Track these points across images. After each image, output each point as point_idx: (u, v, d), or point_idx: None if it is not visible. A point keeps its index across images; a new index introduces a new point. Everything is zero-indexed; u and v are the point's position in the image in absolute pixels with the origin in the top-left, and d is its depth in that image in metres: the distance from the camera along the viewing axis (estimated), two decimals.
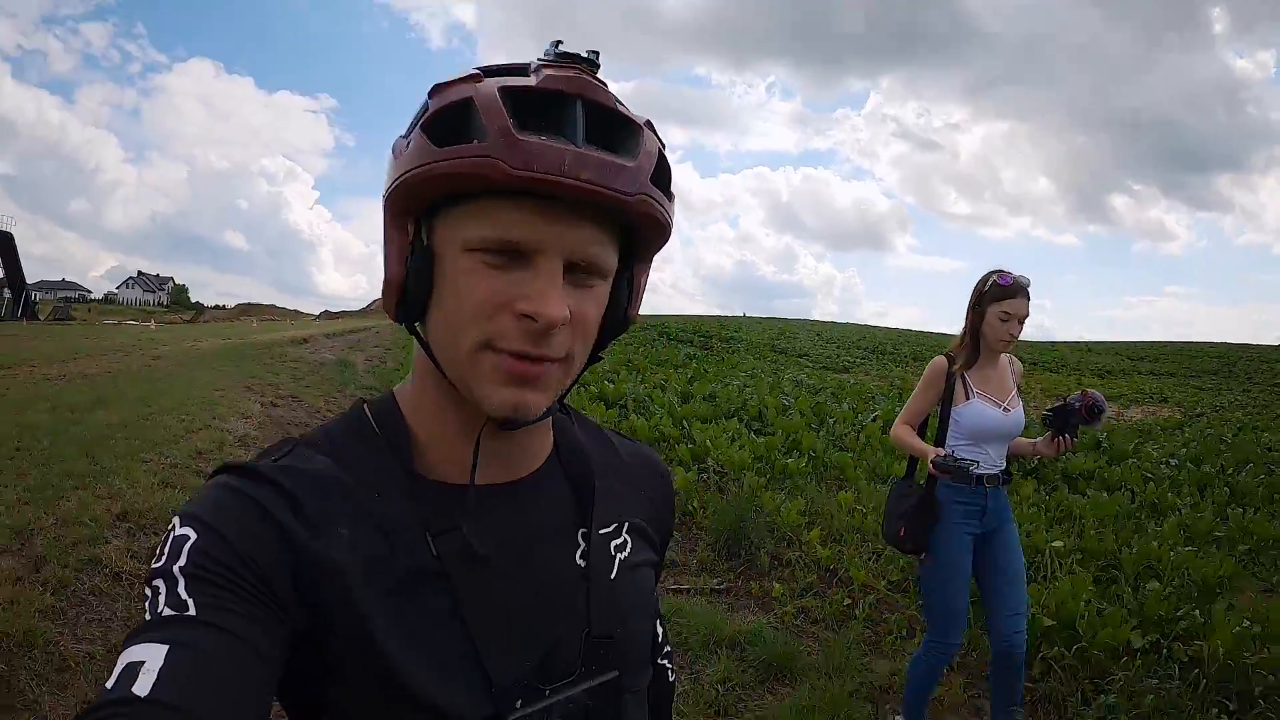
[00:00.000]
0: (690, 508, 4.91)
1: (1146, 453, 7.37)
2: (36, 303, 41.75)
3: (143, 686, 0.43)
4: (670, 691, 0.83)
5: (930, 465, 2.31)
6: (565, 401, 0.68)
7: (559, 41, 0.54)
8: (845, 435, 7.02)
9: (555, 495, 0.65)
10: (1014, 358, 2.55)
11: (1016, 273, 2.39)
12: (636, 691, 0.66)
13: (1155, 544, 4.41)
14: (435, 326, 0.57)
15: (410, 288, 0.56)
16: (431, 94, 0.54)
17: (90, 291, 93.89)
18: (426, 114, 0.53)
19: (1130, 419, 12.63)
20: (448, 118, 0.52)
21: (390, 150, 0.57)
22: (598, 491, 0.66)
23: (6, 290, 35.58)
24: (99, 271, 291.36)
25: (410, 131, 0.55)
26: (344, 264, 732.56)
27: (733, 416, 7.64)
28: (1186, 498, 6.03)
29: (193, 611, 0.47)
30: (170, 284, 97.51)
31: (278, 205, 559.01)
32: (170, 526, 0.53)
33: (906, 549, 2.50)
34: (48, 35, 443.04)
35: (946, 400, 2.45)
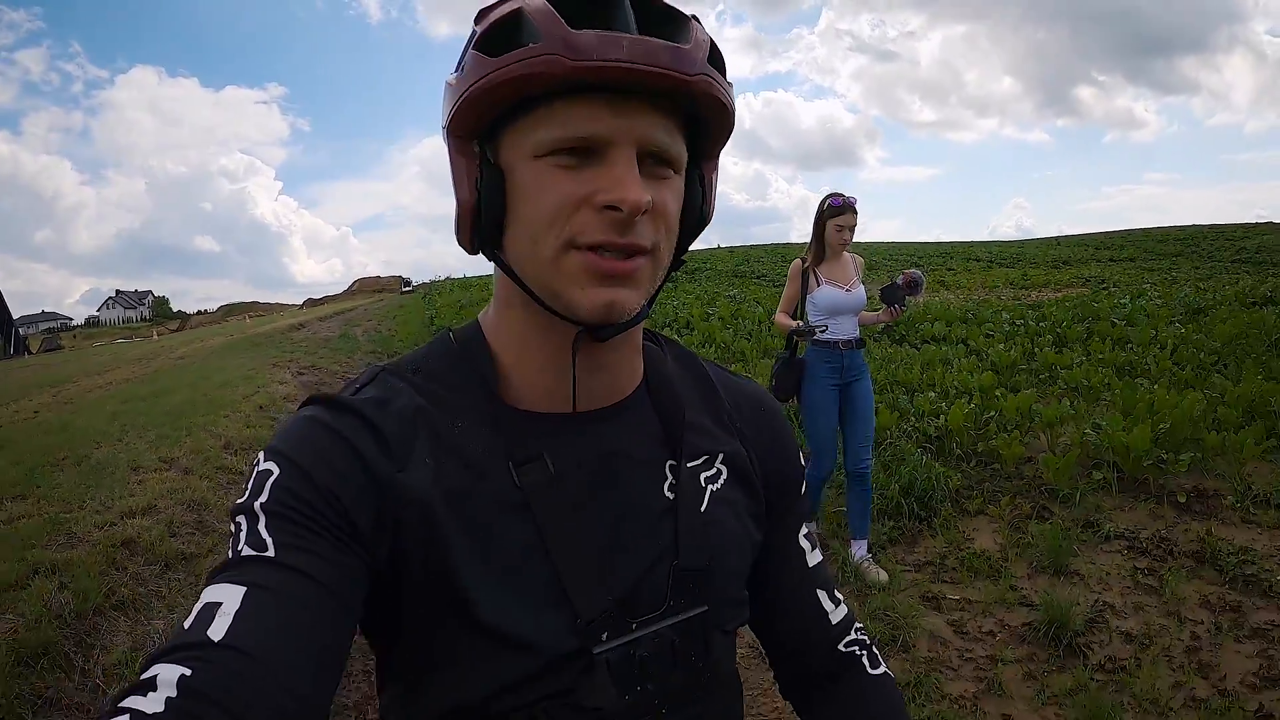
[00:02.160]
0: None
1: (998, 319, 9.12)
2: (25, 338, 42.65)
3: (218, 630, 0.44)
4: (899, 700, 0.70)
5: (793, 334, 3.23)
6: (658, 333, 0.71)
7: None
8: (753, 331, 8.80)
9: (643, 425, 0.63)
10: (857, 255, 3.34)
11: (848, 194, 3.19)
12: (727, 630, 0.64)
13: (942, 370, 6.20)
14: (514, 242, 0.55)
15: (484, 209, 0.55)
16: (478, 20, 0.54)
17: (71, 319, 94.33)
18: (476, 35, 0.53)
19: (1040, 299, 14.19)
20: (499, 32, 0.52)
21: (444, 87, 0.57)
22: (688, 423, 0.64)
23: None
24: (74, 298, 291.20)
25: (461, 60, 0.55)
26: (317, 250, 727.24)
27: (665, 327, 9.38)
28: (1015, 346, 7.64)
29: (272, 552, 0.48)
30: (150, 297, 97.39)
31: (242, 202, 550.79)
32: (255, 461, 0.53)
33: (779, 397, 3.27)
34: None
35: (804, 289, 3.28)
